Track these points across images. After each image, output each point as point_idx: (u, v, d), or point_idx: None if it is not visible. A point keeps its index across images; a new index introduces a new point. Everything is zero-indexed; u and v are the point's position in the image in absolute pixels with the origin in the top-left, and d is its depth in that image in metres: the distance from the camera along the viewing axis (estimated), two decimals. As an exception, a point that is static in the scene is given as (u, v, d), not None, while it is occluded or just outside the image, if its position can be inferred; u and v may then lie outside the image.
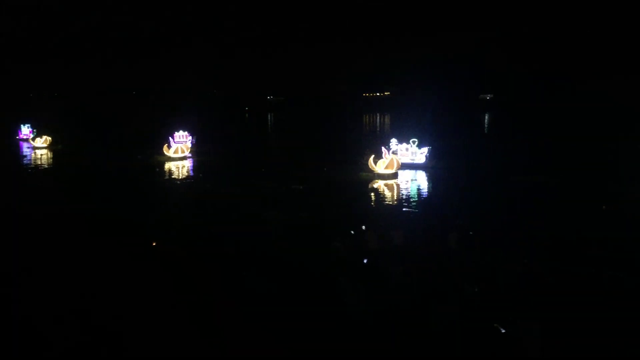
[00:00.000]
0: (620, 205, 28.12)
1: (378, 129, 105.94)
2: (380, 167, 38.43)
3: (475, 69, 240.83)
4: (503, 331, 12.59)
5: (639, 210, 27.00)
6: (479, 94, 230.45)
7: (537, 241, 20.70)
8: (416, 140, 42.61)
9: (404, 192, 34.53)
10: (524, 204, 29.46)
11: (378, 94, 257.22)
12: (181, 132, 56.46)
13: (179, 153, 51.06)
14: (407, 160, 42.10)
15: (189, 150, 53.87)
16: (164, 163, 48.77)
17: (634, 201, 29.24)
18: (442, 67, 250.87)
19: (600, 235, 21.55)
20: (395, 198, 32.82)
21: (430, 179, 38.60)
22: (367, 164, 38.80)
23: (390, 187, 35.51)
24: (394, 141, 42.95)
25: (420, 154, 42.10)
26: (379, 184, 36.35)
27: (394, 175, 38.20)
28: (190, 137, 55.91)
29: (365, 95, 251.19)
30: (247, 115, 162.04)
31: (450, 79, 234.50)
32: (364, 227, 21.78)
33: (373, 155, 39.13)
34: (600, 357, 11.88)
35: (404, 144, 42.63)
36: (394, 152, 42.00)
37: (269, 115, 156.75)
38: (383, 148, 42.03)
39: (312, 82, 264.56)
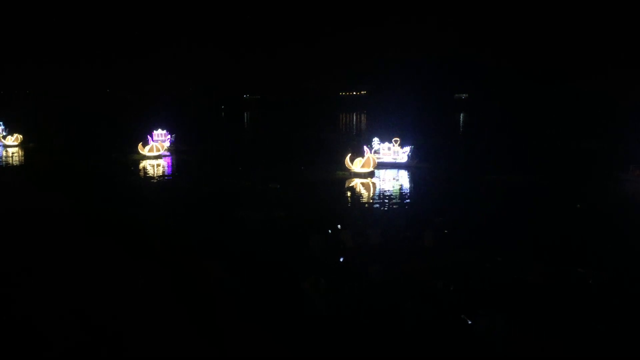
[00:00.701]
0: (594, 204, 28.64)
1: (354, 128, 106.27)
2: (356, 166, 38.57)
3: (451, 68, 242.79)
4: (469, 322, 12.85)
5: (612, 208, 27.58)
6: (454, 94, 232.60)
7: (511, 239, 21.03)
8: (398, 139, 42.74)
9: (380, 190, 34.74)
10: (499, 202, 29.87)
11: (354, 92, 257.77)
12: (160, 131, 56.05)
13: (154, 151, 50.53)
14: (389, 159, 42.21)
15: (164, 149, 53.55)
16: (139, 161, 48.24)
17: (607, 199, 29.91)
18: (418, 66, 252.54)
19: (573, 233, 22.05)
20: (371, 196, 33.00)
21: (407, 178, 38.87)
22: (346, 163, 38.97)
23: (366, 186, 35.67)
24: (376, 140, 42.98)
25: (402, 153, 42.20)
26: (355, 183, 36.48)
27: (371, 174, 38.39)
28: (169, 136, 55.58)
29: (342, 94, 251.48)
30: (223, 113, 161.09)
31: (425, 78, 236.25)
32: (339, 226, 21.86)
33: (350, 154, 39.29)
34: (570, 352, 12.12)
35: (386, 143, 42.68)
36: (376, 152, 42.24)
37: (245, 114, 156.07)
38: (365, 147, 42.25)
39: (288, 81, 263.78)
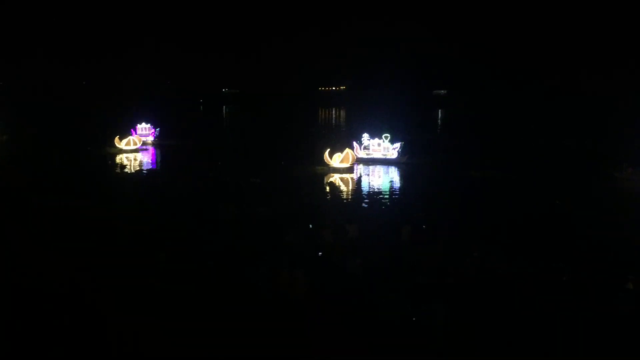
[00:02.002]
0: (573, 200, 29.04)
1: (334, 124, 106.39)
2: (335, 161, 38.69)
3: (430, 64, 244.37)
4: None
5: (589, 205, 28.02)
6: (433, 90, 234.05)
7: (489, 234, 21.30)
8: (388, 135, 42.72)
9: (358, 186, 34.91)
10: (479, 198, 30.23)
11: (334, 88, 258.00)
12: (144, 125, 55.66)
13: (131, 145, 50.00)
14: (379, 155, 42.22)
15: (150, 143, 53.51)
16: (116, 155, 47.72)
17: (586, 196, 30.37)
18: (398, 62, 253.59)
19: (551, 229, 22.39)
20: (349, 192, 33.14)
21: (388, 174, 39.05)
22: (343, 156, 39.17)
23: (345, 181, 35.79)
24: (365, 136, 42.87)
25: (392, 150, 42.18)
26: (334, 178, 36.56)
27: (349, 169, 38.51)
28: (153, 130, 55.29)
29: (321, 90, 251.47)
30: (201, 107, 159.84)
31: (405, 74, 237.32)
32: (312, 224, 21.87)
33: (329, 149, 39.39)
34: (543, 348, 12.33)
35: (376, 139, 42.60)
36: (366, 147, 42.32)
37: (223, 108, 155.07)
38: (355, 143, 42.35)
39: (268, 76, 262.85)
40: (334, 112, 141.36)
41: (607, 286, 14.98)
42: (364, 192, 33.04)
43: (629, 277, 14.47)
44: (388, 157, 42.09)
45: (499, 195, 31.10)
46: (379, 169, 40.24)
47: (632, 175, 33.98)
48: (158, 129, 56.12)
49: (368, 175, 38.50)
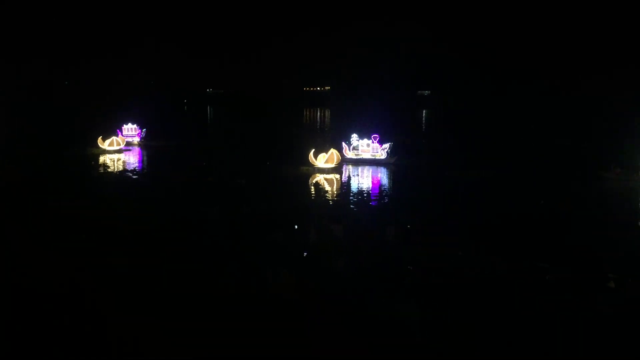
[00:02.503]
0: (559, 200, 29.28)
1: (319, 124, 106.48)
2: (320, 162, 38.70)
3: (414, 65, 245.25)
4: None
5: (577, 205, 28.32)
6: (417, 90, 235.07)
7: (474, 235, 21.47)
8: (377, 136, 42.60)
9: (343, 186, 34.93)
10: (463, 198, 30.45)
11: (318, 88, 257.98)
12: (130, 125, 55.23)
13: (114, 145, 49.58)
14: (368, 156, 42.19)
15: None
16: (99, 156, 47.30)
17: (573, 196, 30.68)
18: (382, 62, 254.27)
19: (536, 229, 22.61)
20: (334, 192, 33.17)
21: (373, 174, 39.09)
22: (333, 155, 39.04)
23: (330, 182, 35.81)
24: (354, 136, 42.79)
25: (381, 150, 42.09)
26: (319, 179, 36.59)
27: (334, 170, 38.54)
28: (139, 130, 54.92)
29: (306, 90, 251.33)
30: (185, 107, 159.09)
31: (389, 74, 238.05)
32: (297, 224, 21.91)
33: (313, 149, 39.41)
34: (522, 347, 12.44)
35: (365, 140, 42.54)
36: (355, 148, 42.39)
37: (208, 108, 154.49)
38: (344, 143, 42.41)
39: (252, 75, 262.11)
40: (319, 112, 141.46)
41: (589, 285, 15.16)
42: (350, 192, 33.09)
43: (610, 276, 14.65)
44: (377, 157, 42.04)
45: (485, 195, 31.26)
46: (368, 170, 40.25)
47: (621, 175, 34.28)
48: (145, 129, 55.73)
49: (357, 175, 38.54)
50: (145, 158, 48.73)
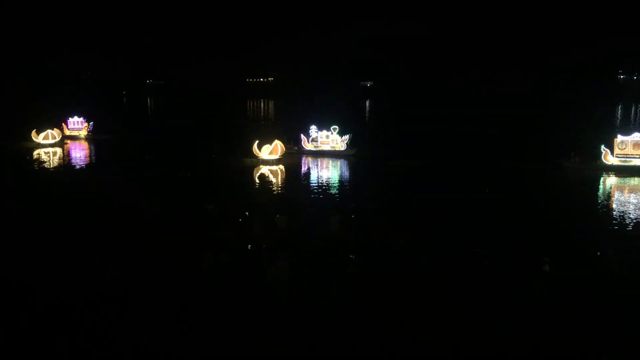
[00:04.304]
0: (498, 189, 30.06)
1: (263, 115, 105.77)
2: (264, 153, 38.57)
3: (357, 56, 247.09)
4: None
5: (535, 192, 29.27)
6: (360, 81, 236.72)
7: (415, 222, 21.98)
8: (337, 127, 42.43)
9: (287, 177, 35.01)
10: (404, 186, 31.00)
11: (262, 79, 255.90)
12: (76, 118, 53.34)
13: (50, 139, 47.78)
14: (327, 148, 41.94)
15: (83, 135, 52.49)
16: (33, 150, 45.48)
17: (532, 184, 31.60)
18: (325, 53, 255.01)
19: (474, 216, 23.31)
20: (278, 184, 33.19)
21: (320, 165, 39.18)
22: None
23: (274, 173, 35.77)
24: (313, 128, 42.46)
25: (341, 142, 41.88)
26: (263, 170, 36.47)
27: (278, 161, 38.49)
28: (85, 123, 53.20)
29: (249, 81, 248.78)
30: (124, 99, 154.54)
31: (332, 64, 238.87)
32: (246, 214, 21.87)
33: (257, 141, 39.21)
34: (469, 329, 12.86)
35: (324, 131, 42.25)
36: (314, 140, 42.14)
37: (148, 100, 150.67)
38: (301, 135, 42.11)
39: (193, 65, 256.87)
40: (262, 103, 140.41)
41: (526, 269, 15.78)
42: (296, 183, 33.19)
43: (545, 260, 15.29)
44: (337, 149, 41.82)
45: (435, 184, 31.58)
46: (318, 161, 40.24)
47: (580, 164, 35.61)
48: (92, 122, 53.97)
49: (304, 166, 38.57)
50: (86, 151, 47.12)
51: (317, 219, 21.71)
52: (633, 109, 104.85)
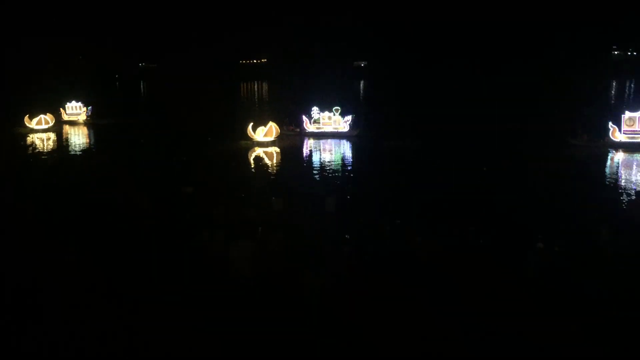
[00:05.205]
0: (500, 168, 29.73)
1: (256, 97, 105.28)
2: (259, 135, 38.46)
3: (350, 36, 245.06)
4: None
5: (543, 171, 28.96)
6: (354, 61, 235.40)
7: (408, 202, 22.01)
8: (339, 108, 42.16)
9: (283, 159, 34.96)
10: (398, 166, 30.98)
11: (255, 60, 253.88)
12: (74, 103, 53.16)
13: (43, 124, 47.53)
14: (330, 129, 41.76)
15: (82, 120, 52.59)
16: (26, 135, 45.25)
17: (539, 162, 31.29)
18: (318, 33, 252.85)
19: (472, 195, 23.29)
20: (274, 166, 33.15)
21: (314, 147, 39.07)
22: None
23: (269, 155, 35.71)
24: (315, 109, 42.20)
25: (343, 123, 41.64)
26: (258, 152, 36.42)
27: (273, 143, 38.40)
28: (84, 108, 53.10)
29: (243, 63, 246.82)
30: (117, 83, 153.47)
31: (326, 45, 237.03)
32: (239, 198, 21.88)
33: (252, 123, 39.11)
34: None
35: (327, 113, 42.02)
36: (316, 121, 41.95)
37: (141, 83, 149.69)
38: (304, 117, 41.96)
39: (187, 48, 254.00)
40: (256, 85, 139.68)
41: (520, 246, 15.80)
42: (291, 165, 33.18)
43: (539, 237, 15.30)
44: (339, 130, 41.59)
45: (434, 164, 31.33)
46: (316, 143, 40.03)
47: (588, 142, 35.38)
48: (90, 107, 53.77)
49: (298, 148, 38.48)
50: (80, 137, 46.91)
51: (311, 200, 21.74)
52: (628, 84, 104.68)
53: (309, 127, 41.97)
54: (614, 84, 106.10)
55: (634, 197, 23.23)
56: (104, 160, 34.78)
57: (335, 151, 37.50)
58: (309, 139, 41.11)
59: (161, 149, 38.12)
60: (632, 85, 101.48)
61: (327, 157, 35.84)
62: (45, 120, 47.71)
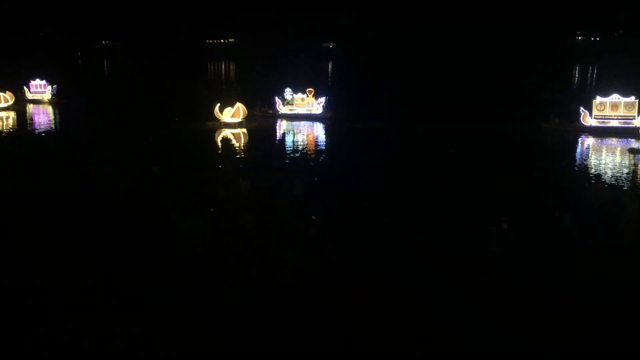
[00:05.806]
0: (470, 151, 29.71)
1: (223, 78, 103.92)
2: (226, 116, 37.97)
3: (317, 17, 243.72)
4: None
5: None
6: (322, 42, 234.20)
7: (379, 184, 22.10)
8: (312, 90, 41.53)
9: (250, 140, 34.68)
10: (365, 149, 31.01)
11: (222, 40, 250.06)
12: (38, 81, 51.29)
13: (2, 102, 45.99)
14: (303, 111, 41.10)
15: (47, 99, 51.10)
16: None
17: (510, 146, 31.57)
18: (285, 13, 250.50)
19: (441, 178, 23.41)
20: (241, 147, 32.85)
21: (281, 129, 38.77)
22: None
23: (236, 137, 35.35)
24: (288, 91, 41.50)
25: (317, 104, 41.01)
26: (225, 133, 36.00)
27: (241, 124, 37.96)
28: (49, 87, 51.12)
29: (209, 42, 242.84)
30: (79, 61, 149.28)
31: (291, 26, 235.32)
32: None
33: (219, 104, 38.55)
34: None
35: (300, 94, 41.39)
36: (289, 103, 41.29)
37: (104, 62, 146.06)
38: (276, 98, 41.27)
39: (151, 26, 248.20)
40: (223, 65, 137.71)
41: (484, 228, 16.01)
42: (258, 147, 32.91)
43: (503, 219, 15.53)
44: (313, 112, 41.04)
45: (403, 147, 31.44)
46: (292, 125, 39.52)
47: (559, 125, 35.83)
48: (55, 85, 51.85)
49: (266, 129, 38.11)
50: (45, 116, 45.59)
51: (277, 181, 21.66)
52: (590, 69, 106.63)
53: (282, 108, 41.50)
54: (577, 68, 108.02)
55: (599, 180, 23.89)
56: (66, 142, 33.91)
57: (304, 132, 37.37)
58: (281, 120, 40.69)
59: (127, 129, 37.21)
60: (596, 70, 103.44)
61: (295, 138, 35.70)
62: (4, 98, 46.15)
